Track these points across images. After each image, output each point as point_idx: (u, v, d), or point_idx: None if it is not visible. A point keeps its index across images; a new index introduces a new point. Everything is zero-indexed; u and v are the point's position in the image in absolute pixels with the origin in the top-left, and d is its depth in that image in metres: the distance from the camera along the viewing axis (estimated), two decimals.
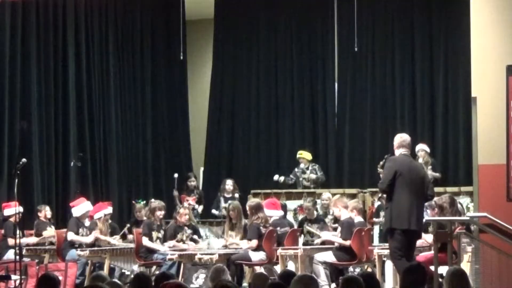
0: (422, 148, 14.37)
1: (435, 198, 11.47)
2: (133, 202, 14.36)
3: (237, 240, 12.03)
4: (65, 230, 12.62)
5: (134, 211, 13.95)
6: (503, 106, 10.87)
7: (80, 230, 12.45)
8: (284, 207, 13.27)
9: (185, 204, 13.84)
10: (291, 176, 15.07)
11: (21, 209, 11.72)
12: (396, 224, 9.59)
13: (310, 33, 16.73)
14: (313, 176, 14.90)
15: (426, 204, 11.95)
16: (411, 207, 9.55)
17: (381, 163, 10.11)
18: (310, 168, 15.02)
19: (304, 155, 15.10)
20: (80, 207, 12.66)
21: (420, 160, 14.28)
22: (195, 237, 12.44)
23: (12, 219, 12.23)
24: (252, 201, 12.49)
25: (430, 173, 14.20)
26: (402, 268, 9.23)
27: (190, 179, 15.20)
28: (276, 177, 14.96)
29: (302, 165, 15.05)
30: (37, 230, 12.94)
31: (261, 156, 16.88)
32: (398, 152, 9.90)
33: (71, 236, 12.32)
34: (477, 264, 9.54)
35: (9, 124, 13.94)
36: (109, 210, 12.75)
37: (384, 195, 10.27)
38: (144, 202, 13.92)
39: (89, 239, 12.26)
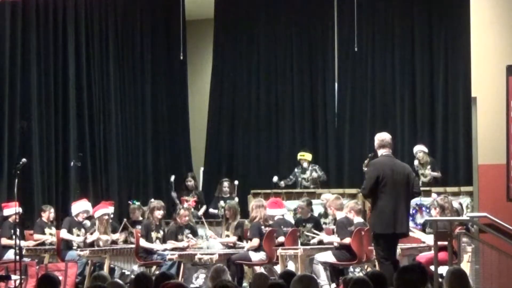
0: (420, 149, 14.39)
1: (438, 198, 11.48)
2: (129, 202, 14.36)
3: (233, 239, 12.03)
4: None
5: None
6: (503, 106, 10.89)
7: (75, 230, 12.40)
8: None
9: (185, 205, 13.84)
10: (291, 176, 15.08)
11: (20, 209, 11.70)
12: (380, 229, 9.52)
13: (310, 33, 16.73)
14: (315, 174, 14.90)
15: (429, 204, 11.99)
16: (395, 211, 9.43)
17: (366, 162, 10.05)
18: (310, 168, 15.03)
19: (306, 156, 15.11)
20: (77, 205, 12.63)
21: (416, 162, 14.31)
22: (191, 236, 12.43)
23: (11, 219, 12.22)
24: (257, 200, 12.48)
25: (429, 173, 14.25)
26: (386, 272, 9.29)
27: (187, 179, 15.23)
28: (275, 178, 14.93)
29: (305, 164, 15.04)
30: (35, 231, 12.88)
31: (261, 156, 16.88)
32: (379, 153, 9.77)
33: (63, 233, 12.25)
34: (477, 264, 9.53)
35: (9, 124, 13.93)
36: (109, 210, 12.72)
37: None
38: (139, 203, 13.90)
39: (80, 239, 12.20)
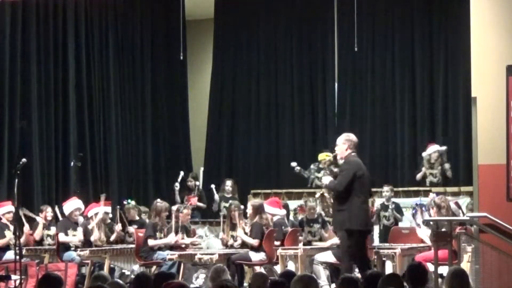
0: (436, 149, 14.34)
1: (435, 198, 11.49)
2: (124, 202, 14.32)
3: (242, 235, 11.95)
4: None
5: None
6: (503, 106, 10.86)
7: (69, 231, 12.32)
8: (286, 207, 13.23)
9: (188, 204, 13.85)
10: (307, 172, 14.92)
11: (13, 208, 11.68)
12: (355, 225, 9.82)
13: (310, 33, 16.73)
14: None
15: (427, 204, 11.97)
16: (366, 208, 9.98)
17: (328, 160, 10.25)
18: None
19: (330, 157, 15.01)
20: (69, 204, 12.57)
21: (424, 161, 14.33)
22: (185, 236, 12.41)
23: (4, 220, 12.19)
24: (255, 201, 12.43)
25: (440, 169, 14.28)
26: (350, 266, 9.74)
27: (187, 179, 15.25)
28: (294, 163, 14.83)
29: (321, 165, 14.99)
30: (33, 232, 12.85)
31: (261, 156, 16.88)
32: (347, 152, 9.95)
33: (61, 237, 12.22)
34: (477, 264, 9.53)
35: (9, 124, 13.94)
36: (103, 209, 12.62)
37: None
38: (134, 202, 13.86)
39: (76, 238, 12.15)
